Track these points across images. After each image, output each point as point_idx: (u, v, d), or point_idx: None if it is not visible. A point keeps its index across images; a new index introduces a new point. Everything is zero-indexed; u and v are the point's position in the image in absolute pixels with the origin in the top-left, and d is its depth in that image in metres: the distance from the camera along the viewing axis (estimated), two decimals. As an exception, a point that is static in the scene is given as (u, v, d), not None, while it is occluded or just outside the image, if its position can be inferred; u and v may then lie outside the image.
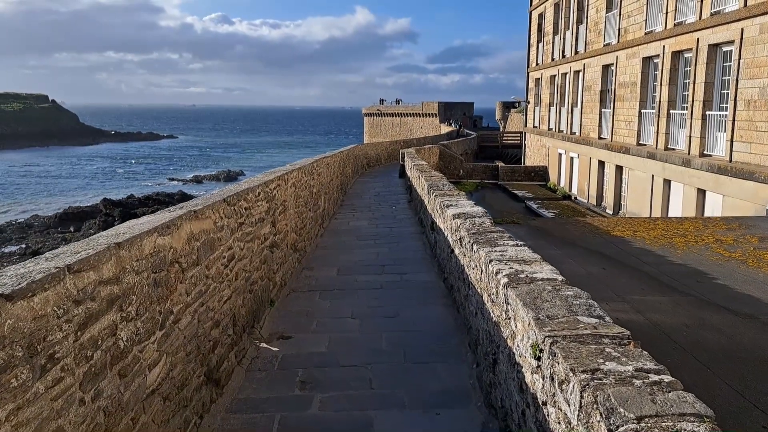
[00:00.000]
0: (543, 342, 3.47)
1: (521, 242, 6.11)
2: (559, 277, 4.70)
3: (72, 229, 46.91)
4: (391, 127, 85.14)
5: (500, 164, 40.87)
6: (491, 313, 5.23)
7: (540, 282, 4.57)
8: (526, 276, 4.75)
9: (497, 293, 4.93)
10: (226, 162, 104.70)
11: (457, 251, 7.69)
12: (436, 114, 77.65)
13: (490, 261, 5.33)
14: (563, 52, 34.80)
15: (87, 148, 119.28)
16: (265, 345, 6.96)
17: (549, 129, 37.31)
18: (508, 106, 77.69)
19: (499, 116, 78.67)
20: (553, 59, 36.61)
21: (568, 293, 4.29)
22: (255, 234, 7.41)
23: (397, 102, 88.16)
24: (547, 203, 30.04)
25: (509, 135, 60.24)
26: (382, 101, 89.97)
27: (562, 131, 34.76)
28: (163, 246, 4.42)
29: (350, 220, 15.74)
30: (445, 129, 66.66)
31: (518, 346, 4.14)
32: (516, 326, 4.24)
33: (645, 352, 3.17)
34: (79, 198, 66.71)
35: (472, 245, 6.33)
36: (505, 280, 4.68)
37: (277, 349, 6.86)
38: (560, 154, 35.44)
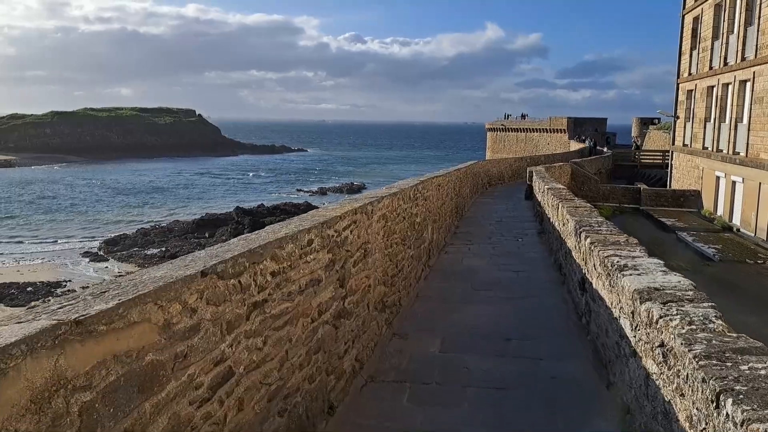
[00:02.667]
0: None
1: None
2: None
3: (207, 234, 48.12)
4: (515, 142, 80.00)
5: (642, 186, 35.38)
6: None
7: None
8: None
9: None
10: (350, 175, 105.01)
11: (651, 367, 4.13)
12: (564, 130, 71.66)
13: None
14: (725, 59, 29.10)
15: (227, 158, 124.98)
16: None
17: (704, 148, 31.49)
18: (645, 123, 70.31)
19: (636, 133, 71.42)
20: (711, 67, 30.89)
21: None
22: (298, 311, 4.33)
23: (523, 117, 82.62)
24: (704, 236, 24.66)
25: (648, 154, 53.72)
26: (507, 116, 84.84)
27: (722, 151, 28.99)
28: None
29: (464, 256, 12.34)
30: (574, 146, 60.96)
31: None
32: None
33: None
34: (215, 205, 68.93)
35: (717, 395, 2.83)
36: None
37: None
38: (718, 178, 29.62)
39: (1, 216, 59.86)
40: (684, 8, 35.54)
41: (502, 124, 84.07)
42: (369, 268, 6.51)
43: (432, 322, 7.92)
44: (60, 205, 68.33)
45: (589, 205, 10.00)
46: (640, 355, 4.47)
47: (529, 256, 12.20)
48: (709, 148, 30.70)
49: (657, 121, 70.66)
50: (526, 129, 78.96)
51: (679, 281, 4.85)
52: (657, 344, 4.00)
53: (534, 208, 19.92)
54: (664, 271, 5.20)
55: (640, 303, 4.44)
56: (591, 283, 6.77)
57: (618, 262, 5.59)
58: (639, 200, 33.16)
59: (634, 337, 4.67)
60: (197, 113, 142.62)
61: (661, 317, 4.01)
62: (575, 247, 8.04)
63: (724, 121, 29.23)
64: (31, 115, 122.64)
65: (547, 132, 74.63)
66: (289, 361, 4.16)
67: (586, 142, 57.51)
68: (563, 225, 9.70)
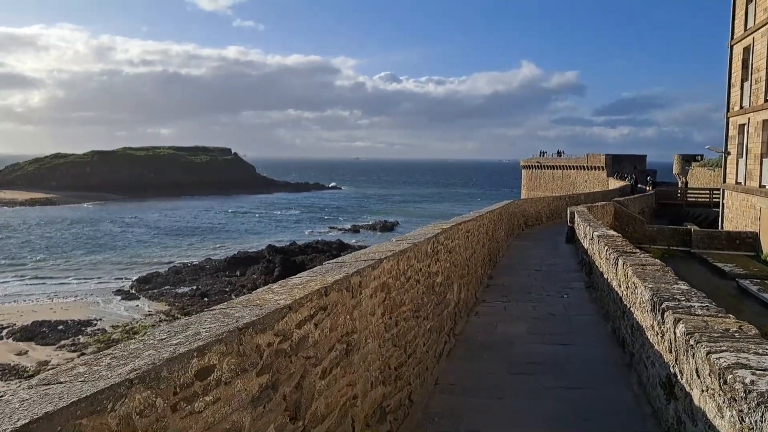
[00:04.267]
0: None
1: None
2: None
3: (238, 273, 47.43)
4: (551, 180, 77.08)
5: (693, 228, 32.39)
6: None
7: None
8: None
9: None
10: (383, 213, 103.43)
11: None
12: (602, 167, 68.62)
13: None
14: (784, 89, 26.47)
15: (261, 196, 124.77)
16: None
17: (761, 186, 28.55)
18: (687, 159, 67.00)
19: (677, 170, 68.00)
20: (766, 99, 28.20)
21: None
22: None
23: (559, 154, 79.72)
24: (769, 284, 21.64)
25: (694, 192, 50.50)
26: (542, 153, 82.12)
27: (783, 189, 26.13)
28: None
29: (499, 320, 10.01)
30: (613, 183, 57.98)
31: None
32: None
33: None
34: (248, 243, 68.01)
35: None
36: None
37: None
38: (780, 219, 26.66)
39: (38, 254, 59.81)
40: (732, 38, 33.06)
41: (537, 162, 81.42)
42: (355, 370, 4.34)
43: (453, 427, 5.65)
44: (95, 242, 68.28)
45: (658, 261, 7.67)
46: None
47: (578, 320, 9.82)
48: (767, 186, 27.79)
49: (700, 157, 67.10)
50: (563, 166, 76.14)
51: None
52: None
53: (578, 255, 17.47)
54: None
55: None
56: (689, 395, 4.45)
57: (753, 384, 3.31)
58: (690, 242, 30.17)
59: None
60: (233, 152, 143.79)
61: None
62: (653, 327, 5.72)
63: (785, 157, 26.44)
64: (73, 154, 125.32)
65: (585, 169, 71.73)
66: None
67: (627, 179, 54.57)
68: (627, 288, 7.38)
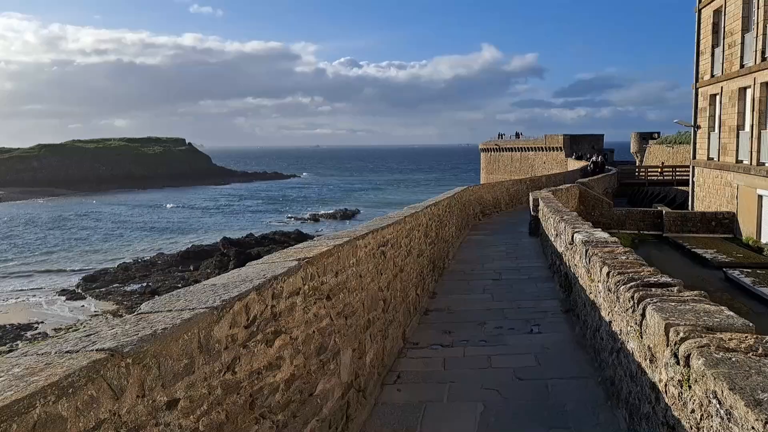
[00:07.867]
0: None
1: None
2: None
3: (191, 267, 44.19)
4: (510, 162, 73.47)
5: (665, 209, 28.92)
6: None
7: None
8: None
9: None
10: (344, 201, 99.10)
11: None
12: (560, 148, 65.33)
13: None
14: (763, 53, 22.92)
15: (217, 187, 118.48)
16: None
17: (738, 161, 25.14)
18: (645, 137, 64.66)
19: (635, 149, 65.50)
20: (742, 65, 24.69)
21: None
22: None
23: (517, 136, 75.88)
24: (763, 275, 18.13)
25: (656, 170, 47.42)
26: (500, 135, 78.32)
27: (765, 164, 22.71)
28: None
29: (432, 396, 5.58)
30: (572, 164, 54.70)
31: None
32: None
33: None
34: (202, 236, 64.18)
35: None
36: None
37: None
38: (761, 197, 23.24)
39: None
40: (700, 1, 29.50)
41: (496, 144, 77.78)
42: None
43: None
44: (40, 240, 63.03)
45: (737, 320, 3.59)
46: None
47: (563, 390, 5.60)
48: (746, 162, 24.35)
49: (657, 135, 64.61)
50: (521, 148, 72.65)
51: None
52: None
53: (546, 255, 13.47)
54: None
55: None
56: None
57: None
58: (661, 226, 26.69)
59: None
60: (187, 142, 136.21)
61: None
62: None
63: (766, 128, 22.99)
64: (18, 148, 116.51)
65: (543, 150, 68.42)
66: None
67: (588, 159, 51.09)
68: (685, 388, 3.26)
